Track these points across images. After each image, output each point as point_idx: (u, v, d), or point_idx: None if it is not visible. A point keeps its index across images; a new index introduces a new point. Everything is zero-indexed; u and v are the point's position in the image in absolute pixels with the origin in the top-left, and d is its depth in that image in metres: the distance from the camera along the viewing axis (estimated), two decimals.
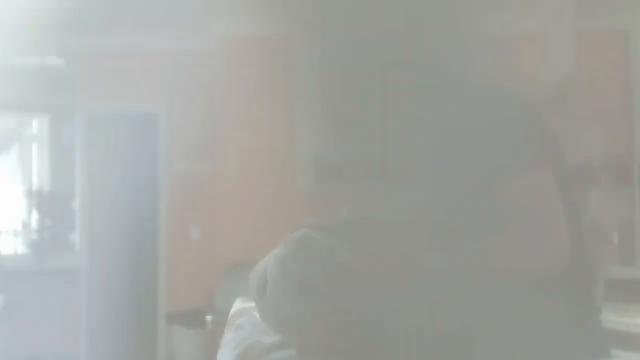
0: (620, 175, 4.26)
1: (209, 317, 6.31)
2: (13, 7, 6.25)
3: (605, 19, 5.06)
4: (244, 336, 1.72)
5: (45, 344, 7.18)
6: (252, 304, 1.82)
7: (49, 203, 7.22)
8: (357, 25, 1.49)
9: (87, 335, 7.19)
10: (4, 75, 7.71)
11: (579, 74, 5.15)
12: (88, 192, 7.25)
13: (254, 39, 6.60)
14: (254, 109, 6.58)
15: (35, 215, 7.37)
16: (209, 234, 7.03)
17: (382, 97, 1.48)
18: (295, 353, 1.65)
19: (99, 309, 7.29)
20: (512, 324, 1.59)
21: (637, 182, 4.14)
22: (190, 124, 7.16)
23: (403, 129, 1.49)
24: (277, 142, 6.55)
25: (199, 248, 7.13)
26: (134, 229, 8.14)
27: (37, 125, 7.96)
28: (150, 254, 8.35)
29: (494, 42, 1.64)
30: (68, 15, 6.46)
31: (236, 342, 1.72)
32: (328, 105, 1.64)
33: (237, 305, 1.89)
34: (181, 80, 7.15)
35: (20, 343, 6.94)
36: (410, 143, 1.51)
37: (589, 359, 1.63)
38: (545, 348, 1.62)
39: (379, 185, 1.72)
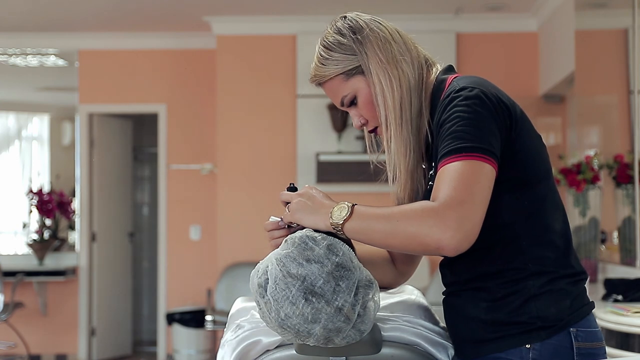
0: (620, 175, 4.25)
1: (209, 317, 6.32)
2: (13, 7, 6.26)
3: (606, 18, 5.06)
4: (244, 336, 1.72)
5: (45, 344, 7.18)
6: (252, 304, 1.82)
7: (49, 203, 7.22)
8: None
9: (87, 335, 7.19)
10: (4, 75, 7.71)
11: (579, 74, 5.15)
12: (88, 192, 7.26)
13: (254, 38, 6.61)
14: (254, 108, 6.58)
15: (35, 215, 7.38)
16: (209, 234, 7.04)
17: None
18: (295, 353, 1.65)
19: (99, 309, 7.29)
20: None
21: (637, 182, 4.14)
22: (190, 124, 7.17)
23: None
24: (278, 142, 6.56)
25: (199, 248, 7.13)
26: (134, 229, 8.14)
27: (37, 125, 7.97)
28: (151, 254, 8.36)
29: None
30: (68, 15, 6.46)
31: (236, 342, 1.72)
32: None
33: (237, 305, 1.89)
34: (181, 80, 7.15)
35: (20, 343, 6.94)
36: None
37: None
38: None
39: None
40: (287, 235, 1.64)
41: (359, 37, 1.69)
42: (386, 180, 1.80)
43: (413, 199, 1.73)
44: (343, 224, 1.57)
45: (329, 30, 1.74)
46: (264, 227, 1.71)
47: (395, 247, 1.57)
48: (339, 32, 1.72)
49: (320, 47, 1.74)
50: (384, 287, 1.86)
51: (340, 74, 1.71)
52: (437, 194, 1.52)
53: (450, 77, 1.70)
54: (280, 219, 1.70)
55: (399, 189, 1.72)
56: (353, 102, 1.74)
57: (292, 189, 1.70)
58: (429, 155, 1.71)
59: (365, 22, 1.72)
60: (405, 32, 1.76)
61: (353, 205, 1.59)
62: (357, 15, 1.75)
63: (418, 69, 1.71)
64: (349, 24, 1.72)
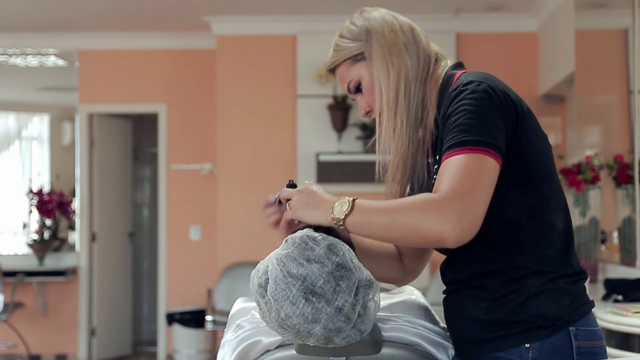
0: (620, 175, 4.25)
1: (209, 317, 6.32)
2: (13, 7, 6.26)
3: (606, 18, 5.06)
4: (244, 336, 1.72)
5: (45, 344, 7.18)
6: (252, 304, 1.82)
7: (49, 203, 7.22)
8: None
9: (87, 335, 7.19)
10: (4, 75, 7.71)
11: (579, 74, 5.15)
12: (88, 192, 7.25)
13: (254, 38, 6.60)
14: (254, 108, 6.58)
15: (35, 215, 7.38)
16: (209, 234, 7.04)
17: None
18: (295, 353, 1.65)
19: (99, 309, 7.29)
20: None
21: (637, 182, 4.14)
22: (190, 124, 7.17)
23: None
24: (278, 142, 6.56)
25: (199, 248, 7.13)
26: (134, 229, 8.14)
27: (37, 125, 7.97)
28: (151, 254, 8.36)
29: None
30: (68, 15, 6.46)
31: (236, 342, 1.72)
32: None
33: (237, 305, 1.89)
34: (181, 80, 7.15)
35: (20, 343, 6.94)
36: None
37: None
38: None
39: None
40: (279, 213, 1.68)
41: (367, 25, 1.75)
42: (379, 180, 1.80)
43: (404, 192, 1.74)
44: (344, 218, 1.57)
45: (347, 22, 1.81)
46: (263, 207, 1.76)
47: (397, 239, 1.58)
48: (353, 22, 1.79)
49: (336, 36, 1.81)
50: (390, 283, 1.87)
51: (347, 59, 1.76)
52: (440, 186, 1.53)
53: (459, 72, 1.72)
54: (274, 197, 1.74)
55: (389, 179, 1.73)
56: (359, 89, 1.77)
57: (292, 185, 1.71)
58: (435, 149, 1.71)
59: (380, 13, 1.77)
60: (418, 27, 1.79)
61: (354, 199, 1.59)
62: (375, 8, 1.80)
63: (423, 61, 1.74)
64: (363, 15, 1.78)
